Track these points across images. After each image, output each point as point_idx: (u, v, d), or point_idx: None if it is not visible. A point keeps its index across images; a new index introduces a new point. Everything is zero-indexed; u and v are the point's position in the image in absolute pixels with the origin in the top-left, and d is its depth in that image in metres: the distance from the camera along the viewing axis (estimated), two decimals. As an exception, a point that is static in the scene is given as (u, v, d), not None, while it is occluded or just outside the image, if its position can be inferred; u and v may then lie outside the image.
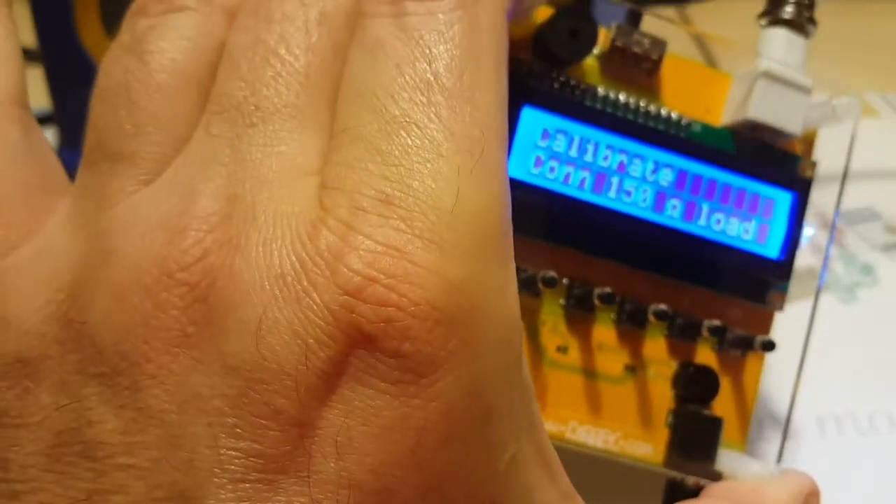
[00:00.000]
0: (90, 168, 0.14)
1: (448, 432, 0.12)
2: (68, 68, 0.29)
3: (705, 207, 0.20)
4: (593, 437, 0.21)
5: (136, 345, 0.12)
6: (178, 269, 0.12)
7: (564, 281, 0.20)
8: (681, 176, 0.20)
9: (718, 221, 0.20)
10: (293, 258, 0.12)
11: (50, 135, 0.32)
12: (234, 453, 0.11)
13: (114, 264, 0.13)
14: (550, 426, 0.20)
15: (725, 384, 0.21)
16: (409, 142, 0.12)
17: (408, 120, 0.13)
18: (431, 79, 0.13)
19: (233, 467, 0.11)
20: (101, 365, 0.12)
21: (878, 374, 0.29)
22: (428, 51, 0.13)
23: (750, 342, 0.21)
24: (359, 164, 0.12)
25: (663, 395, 0.21)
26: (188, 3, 0.15)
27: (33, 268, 0.14)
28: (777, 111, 0.20)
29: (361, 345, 0.12)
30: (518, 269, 0.20)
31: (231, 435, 0.11)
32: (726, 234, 0.20)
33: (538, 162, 0.19)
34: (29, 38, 0.32)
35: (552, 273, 0.19)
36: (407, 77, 0.13)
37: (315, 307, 0.12)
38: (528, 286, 0.20)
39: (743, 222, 0.20)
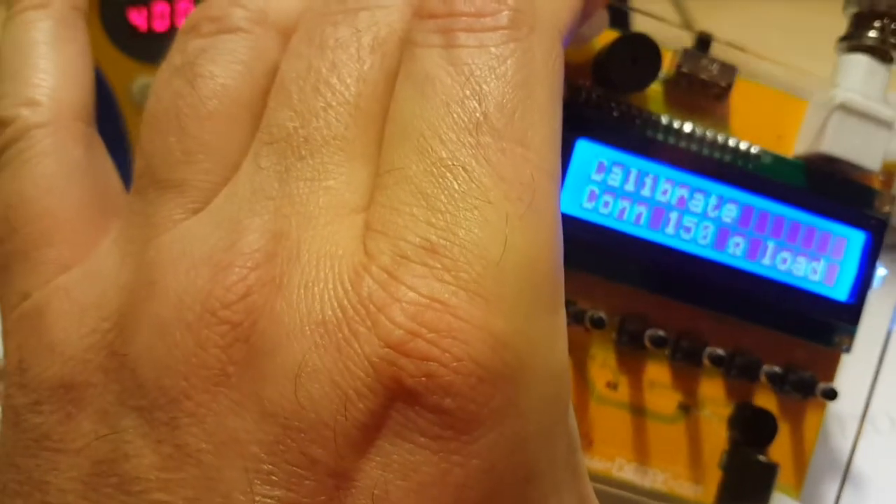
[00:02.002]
0: (139, 194, 0.14)
1: (489, 491, 0.12)
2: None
3: (771, 246, 0.19)
4: (641, 476, 0.20)
5: (177, 381, 0.12)
6: (221, 307, 0.12)
7: (616, 318, 0.19)
8: (745, 212, 0.19)
9: (784, 261, 0.19)
10: (335, 304, 0.12)
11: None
12: (269, 501, 0.11)
13: (158, 298, 0.13)
14: (597, 463, 0.20)
15: (784, 428, 0.20)
16: (456, 186, 0.12)
17: (455, 163, 0.12)
18: (481, 119, 0.12)
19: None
20: (141, 398, 0.12)
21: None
22: (478, 87, 0.12)
23: (812, 387, 0.20)
24: (404, 209, 0.12)
25: (717, 436, 0.20)
26: (241, 24, 0.15)
27: (82, 292, 0.14)
28: (854, 145, 0.19)
29: (402, 398, 0.11)
30: (568, 303, 0.19)
31: (266, 482, 0.11)
32: (792, 275, 0.19)
33: (592, 196, 0.19)
34: None
35: (601, 314, 0.18)
36: (455, 116, 0.12)
37: (356, 358, 0.11)
38: (579, 320, 0.19)
39: (811, 262, 0.19)
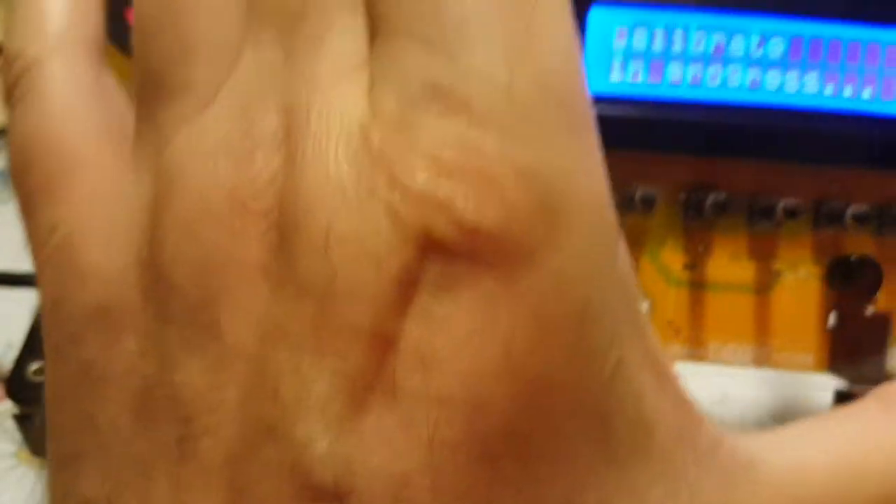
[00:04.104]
0: (144, 105, 0.14)
1: (540, 335, 0.11)
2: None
3: (830, 74, 0.17)
4: (741, 354, 0.19)
5: (213, 280, 0.12)
6: (250, 198, 0.12)
7: (679, 193, 0.18)
8: (794, 44, 0.17)
9: (850, 87, 0.17)
10: (349, 164, 0.11)
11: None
12: (317, 378, 0.11)
13: (180, 198, 0.12)
14: (690, 350, 0.19)
15: (891, 272, 0.18)
16: (456, 11, 0.11)
17: None
18: None
19: (318, 391, 0.11)
20: (181, 306, 0.12)
21: None
22: None
23: (911, 222, 0.18)
24: (401, 47, 0.11)
25: (819, 297, 0.18)
26: None
27: (108, 216, 0.14)
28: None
29: (433, 249, 0.11)
30: (624, 187, 0.18)
31: (312, 360, 0.11)
32: (861, 100, 0.17)
33: (619, 68, 0.17)
34: None
35: (650, 191, 0.17)
36: None
37: (379, 214, 0.11)
38: (631, 205, 0.18)
39: (881, 81, 0.17)
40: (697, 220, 0.18)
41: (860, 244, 0.18)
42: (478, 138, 0.11)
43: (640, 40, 0.17)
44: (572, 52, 0.11)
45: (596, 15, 0.17)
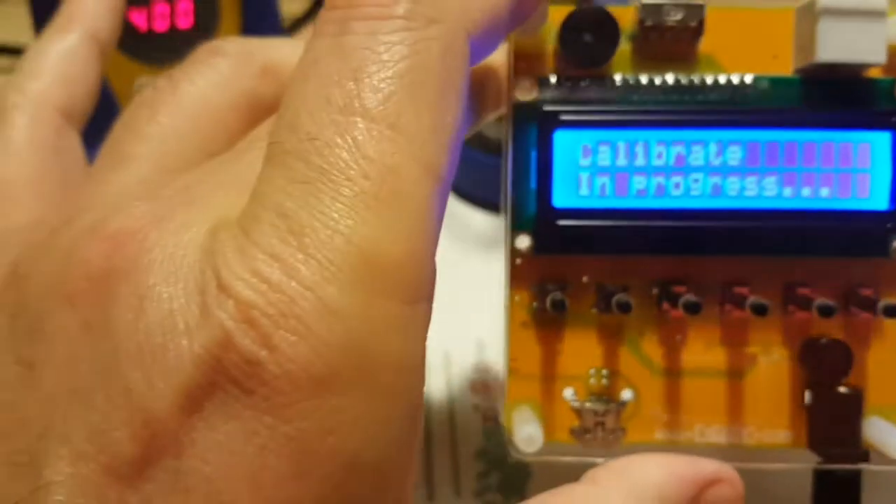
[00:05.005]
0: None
1: (296, 464, 0.11)
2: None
3: (788, 176, 0.18)
4: (727, 436, 0.20)
5: (47, 302, 0.13)
6: (99, 240, 0.14)
7: (653, 290, 0.19)
8: (751, 150, 0.18)
9: (808, 187, 0.18)
10: (193, 249, 0.12)
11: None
12: (85, 423, 0.12)
13: (59, 234, 0.15)
14: (676, 435, 0.20)
15: (862, 351, 0.19)
16: (316, 161, 0.12)
17: (320, 138, 0.12)
18: (355, 99, 0.13)
19: (75, 442, 0.12)
20: (22, 324, 0.13)
21: None
22: (358, 70, 0.13)
23: (872, 305, 0.18)
24: (269, 177, 0.13)
25: (795, 377, 0.19)
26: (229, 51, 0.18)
27: (8, 245, 0.16)
28: (851, 46, 0.17)
29: (222, 345, 0.11)
30: (600, 287, 0.19)
31: (89, 404, 0.12)
32: (820, 199, 0.18)
33: (586, 183, 0.18)
34: (29, 37, 0.33)
35: (625, 298, 0.18)
36: (330, 95, 0.13)
37: (191, 298, 0.12)
38: (608, 306, 0.19)
39: (837, 179, 0.18)
40: (673, 315, 0.19)
41: (829, 325, 0.19)
42: (298, 265, 0.12)
43: (604, 157, 0.18)
44: (420, 234, 0.12)
45: (560, 136, 0.18)
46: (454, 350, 0.28)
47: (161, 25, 0.32)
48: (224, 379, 0.11)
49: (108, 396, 0.12)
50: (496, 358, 0.26)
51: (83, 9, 0.20)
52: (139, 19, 0.32)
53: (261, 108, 0.18)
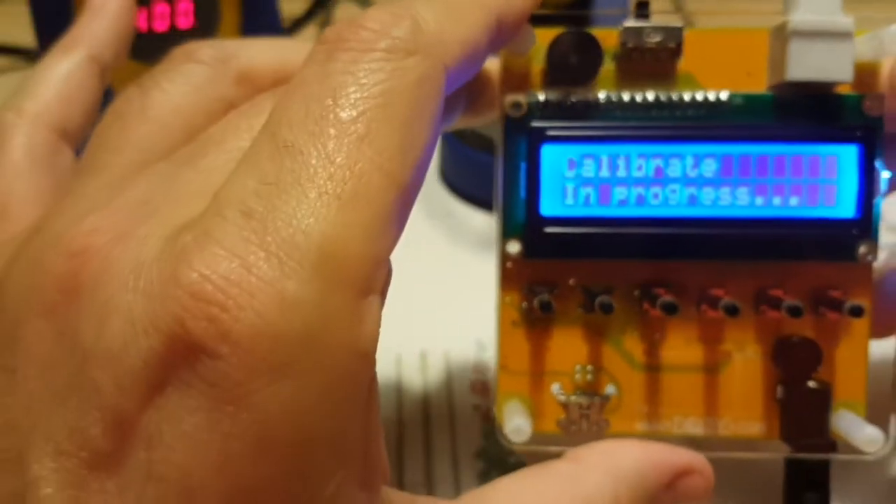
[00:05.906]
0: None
1: (259, 447, 0.12)
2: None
3: (759, 187, 0.19)
4: (705, 427, 0.21)
5: (20, 312, 0.14)
6: (70, 251, 0.14)
7: (635, 292, 0.20)
8: (725, 162, 0.19)
9: (779, 196, 0.19)
10: (154, 252, 0.13)
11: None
12: (62, 425, 0.13)
13: (31, 245, 0.15)
14: (656, 426, 0.21)
15: (831, 348, 0.21)
16: (288, 165, 0.13)
17: (293, 146, 0.13)
18: (331, 113, 0.13)
19: (57, 439, 0.13)
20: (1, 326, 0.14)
21: None
22: (337, 89, 0.14)
23: (839, 306, 0.20)
24: (241, 179, 0.13)
25: (768, 371, 0.21)
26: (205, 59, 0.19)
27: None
28: (820, 65, 0.19)
29: (183, 341, 0.12)
30: (585, 288, 0.20)
31: (63, 404, 0.13)
32: (790, 208, 0.19)
33: (571, 193, 0.19)
34: (29, 37, 0.33)
35: (608, 299, 0.19)
36: (308, 108, 0.14)
37: (151, 299, 0.12)
38: (592, 306, 0.20)
39: (806, 190, 0.19)
40: (653, 315, 0.20)
41: (799, 324, 0.20)
42: (259, 262, 0.12)
43: (588, 169, 0.19)
44: (377, 234, 0.13)
45: (547, 150, 0.19)
46: (454, 350, 0.28)
47: (161, 25, 0.33)
48: (187, 373, 0.12)
49: (82, 398, 0.12)
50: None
51: (89, 32, 0.21)
52: (139, 19, 0.32)
53: None
